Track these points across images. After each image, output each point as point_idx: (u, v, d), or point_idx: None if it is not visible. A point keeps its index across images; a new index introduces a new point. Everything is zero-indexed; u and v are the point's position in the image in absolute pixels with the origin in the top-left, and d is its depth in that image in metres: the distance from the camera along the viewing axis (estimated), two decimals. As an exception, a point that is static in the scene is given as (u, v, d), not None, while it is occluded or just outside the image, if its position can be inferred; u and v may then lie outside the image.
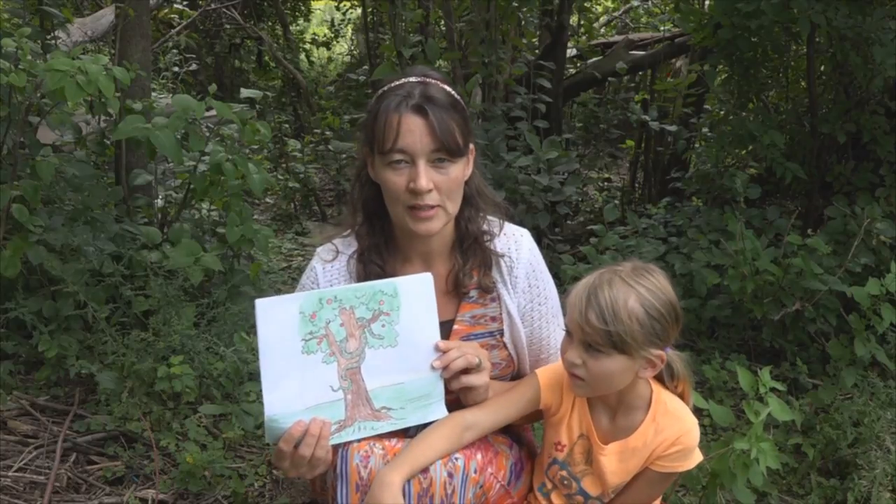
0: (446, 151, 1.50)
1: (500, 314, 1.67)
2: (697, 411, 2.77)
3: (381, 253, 1.63)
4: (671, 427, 1.52)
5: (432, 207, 1.51)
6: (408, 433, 1.53)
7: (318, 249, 1.70)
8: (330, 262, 1.66)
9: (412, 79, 1.55)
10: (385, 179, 1.52)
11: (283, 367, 1.42)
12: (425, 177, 1.48)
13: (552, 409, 1.59)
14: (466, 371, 1.51)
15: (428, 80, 1.55)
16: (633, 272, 1.43)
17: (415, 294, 1.49)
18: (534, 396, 1.58)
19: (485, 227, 1.66)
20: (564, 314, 1.53)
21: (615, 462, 1.54)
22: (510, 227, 1.72)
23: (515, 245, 1.69)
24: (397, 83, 1.54)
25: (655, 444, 1.52)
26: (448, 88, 1.56)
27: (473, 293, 1.66)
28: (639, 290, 1.40)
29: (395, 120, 1.48)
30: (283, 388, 1.42)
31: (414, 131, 1.48)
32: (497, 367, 1.65)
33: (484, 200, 1.67)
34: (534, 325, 1.69)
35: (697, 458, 1.55)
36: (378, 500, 1.36)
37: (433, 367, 1.50)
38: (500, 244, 1.68)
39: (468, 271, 1.64)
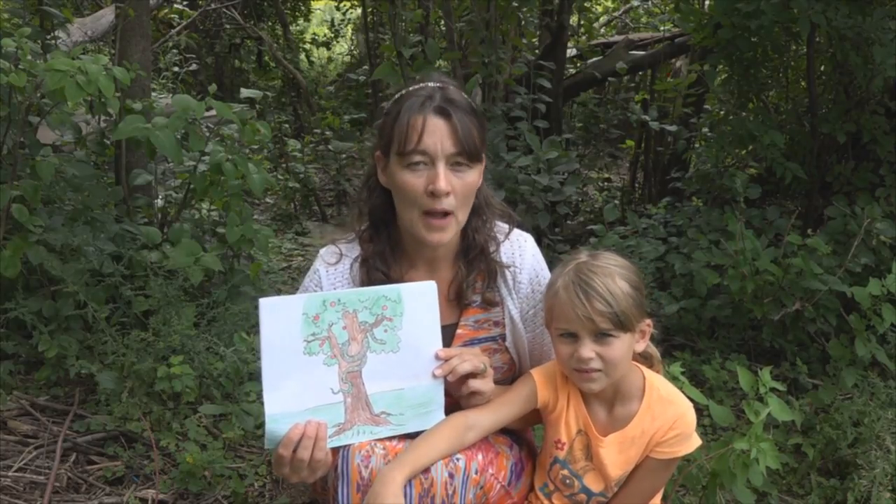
0: (466, 155, 1.50)
1: (503, 319, 1.68)
2: (697, 411, 2.78)
3: (387, 259, 1.63)
4: (666, 412, 1.54)
5: (447, 215, 1.51)
6: (408, 435, 1.53)
7: (322, 252, 1.70)
8: (333, 266, 1.66)
9: (430, 84, 1.55)
10: (402, 181, 1.51)
11: (284, 367, 1.42)
12: (445, 179, 1.48)
13: (549, 407, 1.60)
14: (473, 375, 1.52)
15: (447, 86, 1.55)
16: (596, 258, 1.51)
17: (418, 301, 1.49)
18: (531, 395, 1.59)
19: (491, 237, 1.66)
20: (549, 322, 1.54)
21: (615, 453, 1.55)
22: (513, 232, 1.72)
23: (519, 251, 1.69)
24: (415, 87, 1.54)
25: (653, 431, 1.53)
26: (465, 96, 1.56)
27: (477, 297, 1.67)
28: (615, 269, 1.48)
29: (420, 121, 1.48)
30: (284, 388, 1.42)
31: (436, 132, 1.48)
32: (499, 370, 1.66)
33: (491, 211, 1.67)
34: (536, 329, 1.69)
35: (696, 441, 1.56)
36: (379, 498, 1.36)
37: (434, 376, 1.50)
38: (504, 250, 1.68)
39: (471, 282, 1.64)
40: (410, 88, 1.55)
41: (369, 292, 1.48)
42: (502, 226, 1.70)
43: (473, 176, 1.54)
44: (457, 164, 1.50)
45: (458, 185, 1.51)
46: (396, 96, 1.56)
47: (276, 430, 1.42)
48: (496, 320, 1.68)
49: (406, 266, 1.66)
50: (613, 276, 1.46)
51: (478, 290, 1.65)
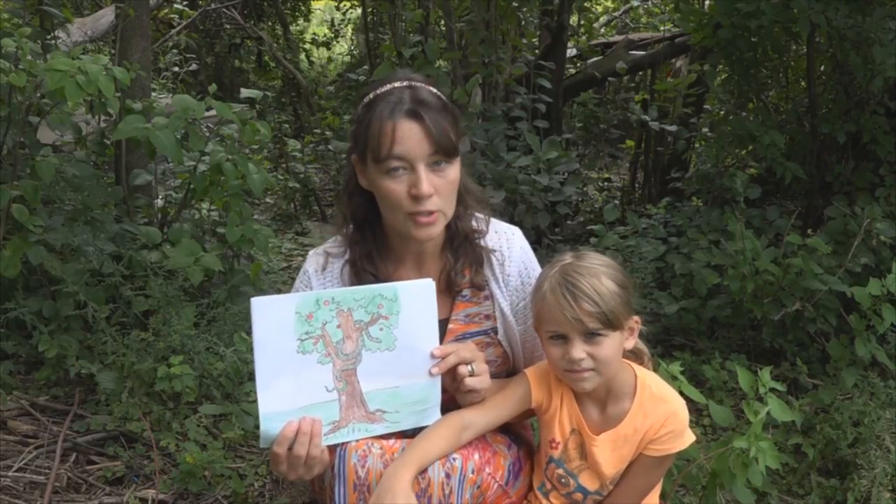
0: (444, 153, 1.49)
1: (494, 312, 1.68)
2: (697, 411, 2.78)
3: (374, 260, 1.63)
4: (658, 410, 1.54)
5: (432, 213, 1.50)
6: (405, 433, 1.53)
7: (311, 254, 1.71)
8: (322, 269, 1.67)
9: (397, 84, 1.52)
10: (384, 188, 1.50)
11: (277, 366, 1.42)
12: (427, 181, 1.47)
13: (543, 407, 1.60)
14: (470, 374, 1.52)
15: (414, 83, 1.53)
16: (580, 259, 1.52)
17: (415, 300, 1.49)
18: (525, 395, 1.59)
19: (474, 224, 1.66)
20: (538, 325, 1.55)
21: (608, 451, 1.56)
22: (501, 225, 1.73)
23: (507, 243, 1.70)
24: (383, 90, 1.51)
25: (646, 429, 1.54)
26: (435, 90, 1.54)
27: (467, 292, 1.67)
28: (600, 269, 1.49)
29: (390, 127, 1.46)
30: (278, 387, 1.42)
31: (411, 137, 1.46)
32: (493, 364, 1.66)
33: (471, 197, 1.66)
34: (527, 322, 1.69)
35: (689, 438, 1.57)
36: (389, 496, 1.35)
37: (431, 374, 1.50)
38: (491, 242, 1.68)
39: (460, 270, 1.65)
40: (379, 91, 1.52)
41: (365, 291, 1.47)
42: (484, 218, 1.70)
43: (454, 171, 1.53)
44: (436, 164, 1.49)
45: (441, 184, 1.50)
46: (366, 101, 1.53)
47: (271, 428, 1.42)
48: (487, 314, 1.68)
49: (393, 264, 1.66)
50: (599, 275, 1.47)
51: (466, 274, 1.66)
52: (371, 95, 1.53)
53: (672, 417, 1.54)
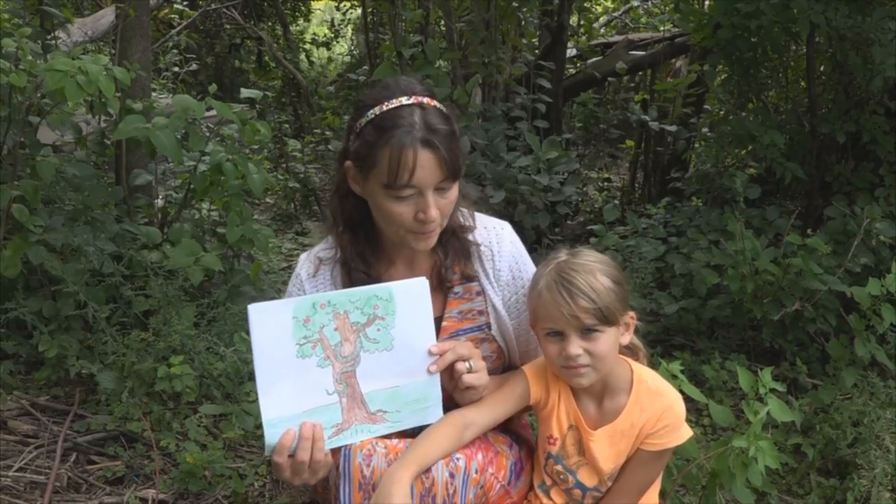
0: (452, 178, 1.51)
1: (486, 308, 1.69)
2: (697, 411, 2.78)
3: (367, 260, 1.64)
4: (654, 404, 1.55)
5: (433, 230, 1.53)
6: (408, 432, 1.53)
7: (302, 258, 1.73)
8: (314, 271, 1.68)
9: (404, 100, 1.49)
10: (387, 208, 1.50)
11: (277, 372, 1.42)
12: (435, 207, 1.49)
13: (541, 404, 1.61)
14: (467, 371, 1.52)
15: (422, 102, 1.50)
16: (576, 256, 1.53)
17: (410, 298, 1.50)
18: (524, 392, 1.60)
19: (461, 219, 1.67)
20: (534, 322, 1.56)
21: (606, 447, 1.56)
22: (490, 220, 1.73)
23: (497, 238, 1.70)
24: (390, 108, 1.48)
25: (642, 423, 1.55)
26: (439, 106, 1.53)
27: (459, 289, 1.68)
28: (595, 265, 1.50)
29: (410, 157, 1.44)
30: (279, 393, 1.42)
31: (425, 167, 1.46)
32: (488, 360, 1.66)
33: (461, 194, 1.66)
34: (520, 316, 1.70)
35: (686, 432, 1.58)
36: (388, 497, 1.36)
37: (430, 371, 1.51)
38: (480, 237, 1.69)
39: (450, 265, 1.66)
40: (386, 109, 1.48)
41: (360, 293, 1.48)
42: (480, 216, 1.72)
43: (455, 191, 1.55)
44: (442, 187, 1.51)
45: (444, 204, 1.53)
46: (371, 116, 1.49)
47: (274, 434, 1.42)
48: (480, 309, 1.69)
49: (385, 264, 1.67)
50: (594, 272, 1.48)
51: (457, 270, 1.67)
52: (377, 111, 1.49)
53: (668, 411, 1.55)
